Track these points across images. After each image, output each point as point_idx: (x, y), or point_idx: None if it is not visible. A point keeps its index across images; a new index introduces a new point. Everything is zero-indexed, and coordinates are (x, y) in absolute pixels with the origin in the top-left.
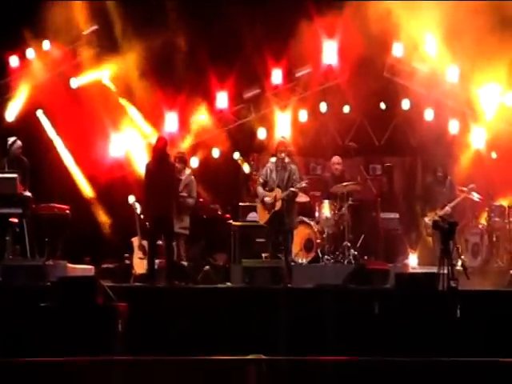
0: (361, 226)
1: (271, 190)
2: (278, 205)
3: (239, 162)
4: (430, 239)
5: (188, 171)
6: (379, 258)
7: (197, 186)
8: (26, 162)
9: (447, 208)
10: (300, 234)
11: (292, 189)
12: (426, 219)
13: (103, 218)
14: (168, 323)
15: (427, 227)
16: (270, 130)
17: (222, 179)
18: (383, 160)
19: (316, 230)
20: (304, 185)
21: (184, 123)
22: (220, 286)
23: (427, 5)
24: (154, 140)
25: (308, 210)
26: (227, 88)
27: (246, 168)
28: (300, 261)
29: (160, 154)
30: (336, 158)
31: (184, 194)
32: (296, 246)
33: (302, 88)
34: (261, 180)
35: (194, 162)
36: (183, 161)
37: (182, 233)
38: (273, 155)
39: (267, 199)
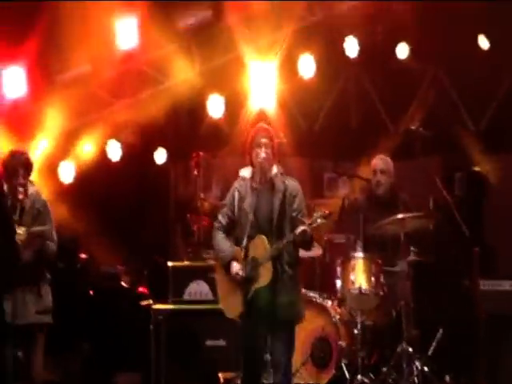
0: (438, 305)
1: (242, 238)
2: (266, 276)
3: None
4: None
5: (34, 187)
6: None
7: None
8: None
9: None
10: (304, 330)
11: (302, 228)
12: None
13: None
14: None
15: None
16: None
17: (129, 206)
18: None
19: (338, 318)
20: (320, 221)
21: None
22: None
23: None
24: None
25: (316, 274)
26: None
27: None
28: None
29: None
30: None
31: (36, 229)
32: (297, 355)
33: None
34: (221, 220)
35: (66, 173)
36: (25, 166)
37: (41, 323)
38: (245, 153)
39: (236, 268)
